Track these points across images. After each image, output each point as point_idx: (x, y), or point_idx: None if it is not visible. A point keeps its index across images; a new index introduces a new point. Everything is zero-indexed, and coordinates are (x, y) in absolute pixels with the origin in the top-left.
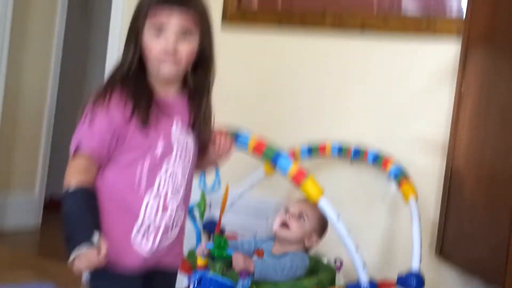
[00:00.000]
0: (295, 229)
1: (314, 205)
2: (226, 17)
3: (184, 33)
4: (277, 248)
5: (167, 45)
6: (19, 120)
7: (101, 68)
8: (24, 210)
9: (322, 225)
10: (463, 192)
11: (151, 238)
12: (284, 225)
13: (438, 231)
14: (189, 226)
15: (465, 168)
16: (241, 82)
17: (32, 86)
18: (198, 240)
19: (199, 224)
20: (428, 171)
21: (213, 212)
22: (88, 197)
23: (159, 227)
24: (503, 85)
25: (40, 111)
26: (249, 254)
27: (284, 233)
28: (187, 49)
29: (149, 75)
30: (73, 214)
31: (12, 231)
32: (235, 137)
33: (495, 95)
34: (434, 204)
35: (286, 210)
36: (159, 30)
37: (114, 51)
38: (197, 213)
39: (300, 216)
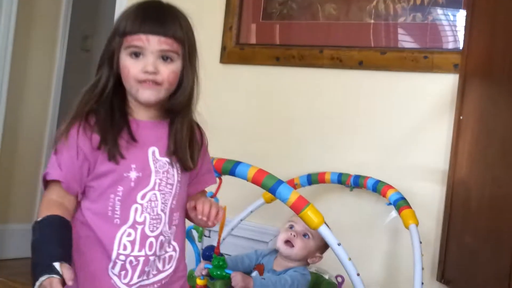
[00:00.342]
0: (299, 248)
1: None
2: (225, 51)
3: (165, 57)
4: (278, 263)
5: (147, 66)
6: (18, 153)
7: None
8: (23, 241)
9: (325, 243)
10: (464, 219)
11: (129, 272)
12: (288, 242)
13: (439, 256)
14: (188, 248)
15: (466, 195)
16: (241, 115)
17: (32, 120)
18: (198, 261)
19: (198, 245)
20: (429, 199)
21: (213, 236)
22: (56, 226)
23: (137, 260)
24: (501, 116)
25: (39, 145)
26: (250, 269)
27: (288, 251)
28: (168, 70)
29: (126, 97)
30: (36, 242)
31: (11, 261)
32: (235, 167)
33: (494, 126)
34: (435, 232)
35: (291, 227)
36: (137, 53)
37: None
38: (195, 234)
39: (304, 234)
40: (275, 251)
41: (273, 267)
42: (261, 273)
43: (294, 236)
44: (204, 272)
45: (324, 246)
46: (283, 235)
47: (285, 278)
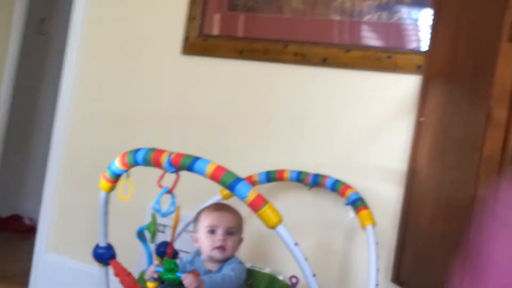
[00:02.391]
0: (231, 248)
1: (228, 212)
2: (188, 41)
3: None
4: (210, 264)
5: None
6: None
7: (55, 90)
8: None
9: (243, 223)
10: (420, 220)
11: None
12: (220, 248)
13: (394, 257)
14: (141, 248)
15: (423, 196)
16: (202, 108)
17: None
18: (149, 262)
19: (150, 246)
20: (387, 200)
21: (168, 231)
22: None
23: None
24: (461, 120)
25: None
26: None
27: (221, 255)
28: None
29: None
30: None
31: None
32: (193, 162)
33: (453, 128)
34: (391, 232)
35: (212, 231)
36: None
37: (71, 71)
38: (148, 235)
39: (229, 233)
40: (198, 253)
41: (207, 268)
42: None
43: (222, 239)
44: (155, 275)
45: (243, 227)
46: (209, 243)
47: (228, 273)
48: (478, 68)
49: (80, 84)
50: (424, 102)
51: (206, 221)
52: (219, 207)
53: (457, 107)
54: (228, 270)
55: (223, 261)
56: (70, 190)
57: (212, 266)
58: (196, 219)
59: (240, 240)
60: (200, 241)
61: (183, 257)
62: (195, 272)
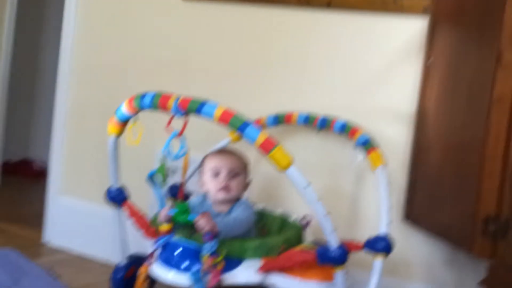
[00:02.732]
0: (236, 188)
1: (230, 154)
2: None
3: None
4: (219, 207)
5: None
6: None
7: (58, 32)
8: None
9: (247, 167)
10: (431, 160)
11: None
12: (224, 188)
13: (405, 196)
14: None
15: (432, 138)
16: (206, 55)
17: None
18: (161, 205)
19: (162, 190)
20: (395, 142)
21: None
22: None
23: None
24: (470, 61)
25: None
26: None
27: (227, 196)
28: None
29: None
30: None
31: None
32: (201, 106)
33: (462, 71)
34: (401, 173)
35: (216, 174)
36: None
37: (71, 18)
38: (158, 179)
39: (234, 175)
40: (206, 197)
41: (216, 211)
42: None
43: (227, 180)
44: (168, 218)
45: (248, 171)
46: (214, 185)
47: (238, 215)
48: (487, 9)
49: (82, 30)
50: (432, 44)
51: (210, 164)
52: (222, 151)
53: (465, 49)
54: (238, 212)
55: (232, 203)
56: (79, 133)
57: (222, 209)
58: (201, 165)
59: (246, 183)
60: (206, 185)
61: (191, 201)
62: (206, 214)
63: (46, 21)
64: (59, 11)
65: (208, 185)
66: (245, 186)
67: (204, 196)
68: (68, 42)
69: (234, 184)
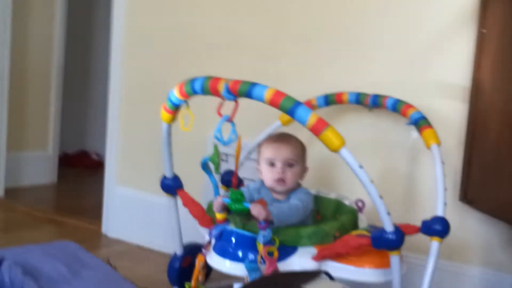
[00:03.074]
0: (291, 180)
1: (286, 143)
2: None
3: None
4: (277, 195)
5: None
6: (27, 79)
7: (108, 22)
8: (39, 168)
9: (305, 152)
10: (487, 136)
11: None
12: (279, 180)
13: (461, 176)
14: (206, 178)
15: (489, 112)
16: (252, 34)
17: (39, 44)
18: (216, 192)
19: (215, 177)
20: (450, 118)
21: (231, 160)
22: None
23: None
24: None
25: (48, 69)
26: None
27: (282, 187)
28: None
29: None
30: None
31: (29, 189)
32: (251, 88)
33: None
34: (457, 150)
35: (272, 164)
36: None
37: (121, 5)
38: (212, 166)
39: (289, 165)
40: (262, 182)
41: (274, 197)
42: None
43: (281, 172)
44: (223, 206)
45: (305, 157)
46: (269, 176)
47: (295, 203)
48: None
49: (131, 18)
50: (485, 12)
51: (265, 154)
52: (277, 138)
53: None
54: (295, 200)
55: (290, 191)
56: (132, 123)
57: (279, 196)
58: (258, 151)
59: (303, 170)
60: (262, 173)
61: (250, 185)
62: (262, 201)
63: (96, 11)
64: (108, 1)
65: (264, 174)
66: (302, 173)
67: (261, 183)
68: (118, 32)
69: (289, 175)
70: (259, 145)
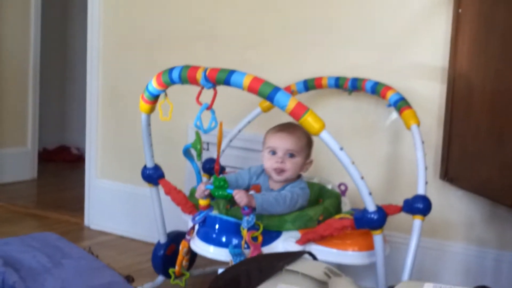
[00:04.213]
0: (291, 170)
1: (290, 134)
2: None
3: None
4: (274, 183)
5: None
6: (4, 77)
7: (84, 16)
8: (19, 164)
9: (310, 145)
10: (466, 115)
11: None
12: (278, 169)
13: (442, 154)
14: (188, 166)
15: (467, 91)
16: (231, 22)
17: (15, 41)
18: (199, 179)
19: (198, 163)
20: (429, 98)
21: (212, 149)
22: None
23: None
24: (502, 8)
25: (25, 64)
26: (245, 188)
27: (280, 177)
28: None
29: None
30: None
31: (9, 185)
32: (230, 75)
33: (494, 19)
34: (437, 130)
35: (273, 153)
36: None
37: (95, 2)
38: (194, 153)
39: (290, 155)
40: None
41: (270, 186)
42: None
43: (281, 162)
44: (206, 193)
45: (309, 150)
46: (269, 164)
47: (285, 193)
48: None
49: (107, 11)
50: None
51: (268, 142)
52: (283, 127)
53: None
54: (287, 191)
55: (288, 182)
56: (112, 115)
57: (275, 185)
58: (263, 138)
59: (305, 162)
60: (264, 161)
61: (252, 167)
62: (257, 187)
63: (72, 6)
64: None
65: (265, 162)
66: (304, 165)
67: (264, 169)
68: (95, 27)
69: (289, 165)
70: (266, 133)
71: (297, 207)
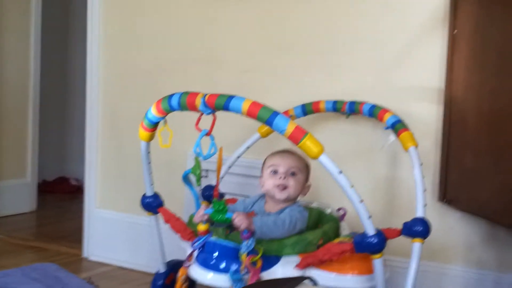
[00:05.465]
0: (294, 187)
1: (291, 154)
2: None
3: None
4: (271, 207)
5: None
6: (4, 109)
7: (83, 47)
8: (18, 196)
9: (308, 168)
10: (463, 136)
11: None
12: (281, 186)
13: (440, 176)
14: (188, 193)
15: (464, 111)
16: (228, 47)
17: (15, 71)
18: (197, 205)
19: (197, 189)
20: (426, 120)
21: (211, 176)
22: None
23: None
24: (497, 26)
25: (25, 96)
26: None
27: (283, 194)
28: None
29: None
30: None
31: (8, 218)
32: (229, 101)
33: (489, 37)
34: (434, 152)
35: (275, 172)
36: None
37: (94, 29)
38: (193, 179)
39: (292, 173)
40: (263, 196)
41: (266, 210)
42: None
43: (284, 178)
44: (205, 218)
45: (308, 172)
46: (271, 182)
47: (283, 216)
48: None
49: (106, 41)
50: (456, 13)
51: (269, 162)
52: (283, 150)
53: (491, 14)
54: (285, 215)
55: (287, 204)
56: (111, 145)
57: (272, 208)
58: (262, 165)
59: (305, 185)
60: (264, 182)
61: (246, 199)
62: (251, 214)
63: (71, 34)
64: (83, 24)
65: (266, 182)
66: (304, 188)
67: (260, 196)
68: (94, 55)
69: (292, 183)
70: (265, 158)
71: (296, 230)
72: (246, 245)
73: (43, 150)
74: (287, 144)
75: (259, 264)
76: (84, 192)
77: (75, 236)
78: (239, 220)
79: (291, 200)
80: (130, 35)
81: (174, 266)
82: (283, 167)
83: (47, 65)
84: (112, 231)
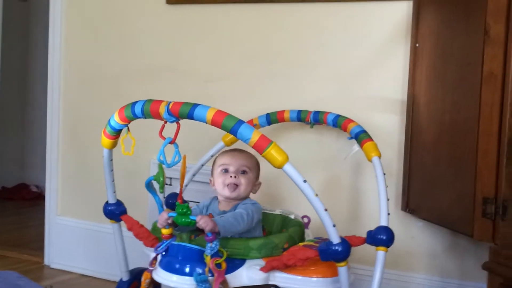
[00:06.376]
0: (244, 185)
1: (241, 152)
2: None
3: None
4: (224, 206)
5: None
6: None
7: (45, 53)
8: None
9: (259, 166)
10: (425, 146)
11: None
12: (231, 185)
13: (402, 186)
14: (151, 199)
15: (426, 122)
16: (194, 57)
17: None
18: (161, 211)
19: (160, 196)
20: (389, 130)
21: (175, 184)
22: None
23: None
24: (458, 40)
25: None
26: None
27: (234, 193)
28: None
29: None
30: None
31: None
32: (193, 109)
33: (450, 51)
34: (397, 162)
35: (226, 170)
36: None
37: (56, 33)
38: (156, 186)
39: (242, 171)
40: (215, 198)
41: (220, 209)
42: None
43: (235, 177)
44: (169, 221)
45: (258, 171)
46: (221, 180)
47: (240, 211)
48: None
49: (68, 47)
50: (418, 27)
51: (220, 161)
52: (233, 149)
53: (452, 28)
54: (240, 209)
55: (237, 202)
56: (73, 151)
57: (226, 207)
58: (212, 165)
59: (255, 183)
60: (215, 181)
61: (200, 203)
62: (209, 216)
63: (33, 40)
64: (45, 28)
65: (217, 181)
66: (255, 186)
67: (212, 199)
68: (55, 61)
69: (242, 181)
70: (215, 158)
71: (255, 220)
72: (210, 247)
73: (3, 156)
74: (252, 152)
75: (224, 266)
76: (45, 199)
77: (36, 243)
78: (204, 222)
79: (243, 198)
80: (95, 40)
81: (137, 274)
82: (234, 166)
83: (6, 69)
84: (74, 238)
